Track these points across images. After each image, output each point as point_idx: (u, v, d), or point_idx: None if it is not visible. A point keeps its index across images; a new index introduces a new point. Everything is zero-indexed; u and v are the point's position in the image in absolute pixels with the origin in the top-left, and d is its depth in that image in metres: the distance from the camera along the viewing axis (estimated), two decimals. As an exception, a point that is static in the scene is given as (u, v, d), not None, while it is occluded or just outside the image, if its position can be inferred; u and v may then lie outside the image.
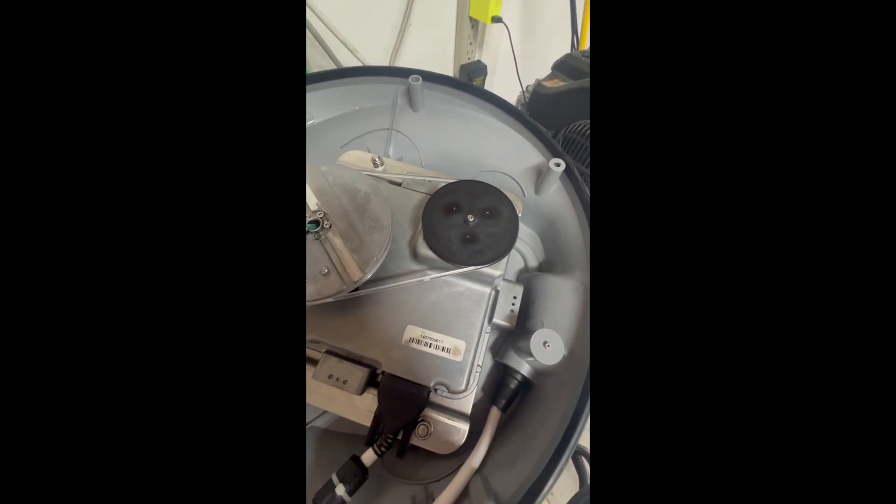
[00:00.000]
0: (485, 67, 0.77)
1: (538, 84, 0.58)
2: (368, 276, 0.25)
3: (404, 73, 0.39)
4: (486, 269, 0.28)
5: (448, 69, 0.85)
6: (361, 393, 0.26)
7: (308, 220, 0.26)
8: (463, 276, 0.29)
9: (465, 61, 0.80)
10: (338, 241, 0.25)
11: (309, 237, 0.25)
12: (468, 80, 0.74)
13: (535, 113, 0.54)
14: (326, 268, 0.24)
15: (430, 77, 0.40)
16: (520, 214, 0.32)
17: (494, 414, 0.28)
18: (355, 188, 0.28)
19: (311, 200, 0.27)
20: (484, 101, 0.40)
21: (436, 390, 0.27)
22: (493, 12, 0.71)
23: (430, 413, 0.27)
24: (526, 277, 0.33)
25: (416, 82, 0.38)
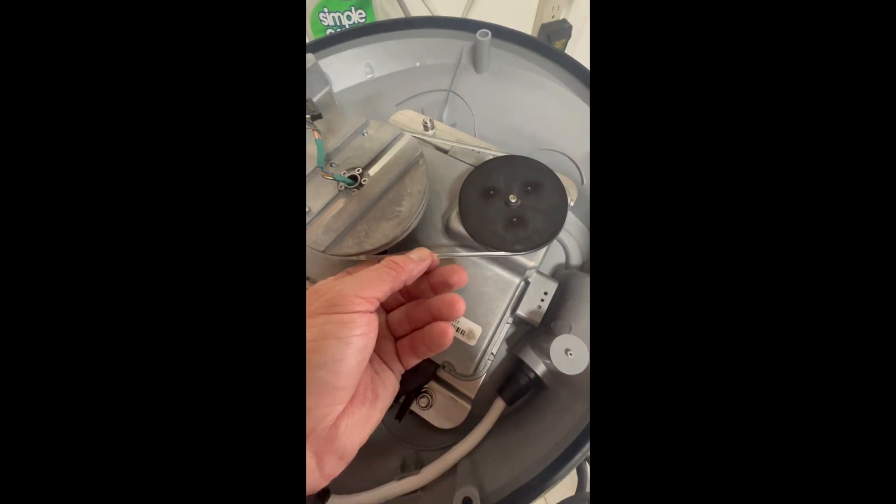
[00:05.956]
0: (569, 28, 0.68)
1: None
2: (393, 243, 0.24)
3: (473, 26, 0.35)
4: (520, 258, 0.26)
5: (527, 27, 0.76)
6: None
7: (347, 174, 0.26)
8: (493, 259, 0.27)
9: (548, 20, 0.71)
10: (367, 203, 0.25)
11: (342, 189, 0.25)
12: (547, 42, 0.65)
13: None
14: (349, 224, 0.24)
15: (500, 33, 0.36)
16: (572, 203, 0.29)
17: (498, 405, 0.27)
18: (406, 152, 0.27)
19: (364, 157, 0.26)
20: (558, 66, 0.35)
21: (443, 367, 0.27)
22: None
23: (436, 387, 0.27)
24: (564, 274, 0.30)
25: (485, 38, 0.34)
